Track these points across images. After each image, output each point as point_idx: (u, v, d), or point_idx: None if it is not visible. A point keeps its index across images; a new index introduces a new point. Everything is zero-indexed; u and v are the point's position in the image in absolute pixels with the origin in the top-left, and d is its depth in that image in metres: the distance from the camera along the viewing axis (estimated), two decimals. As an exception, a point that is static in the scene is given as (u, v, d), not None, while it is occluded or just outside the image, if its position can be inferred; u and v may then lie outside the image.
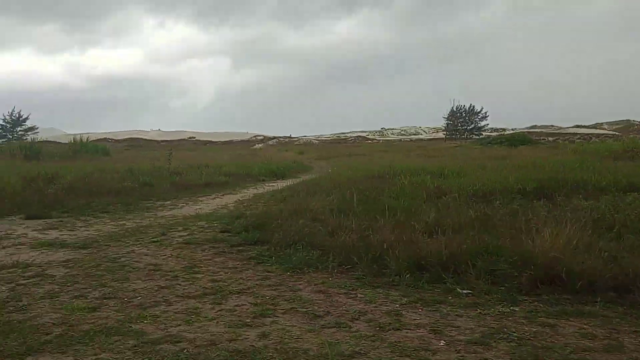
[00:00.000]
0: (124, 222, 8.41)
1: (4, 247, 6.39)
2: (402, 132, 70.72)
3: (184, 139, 60.25)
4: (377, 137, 64.26)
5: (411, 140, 55.84)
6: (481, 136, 54.22)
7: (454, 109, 56.99)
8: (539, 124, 67.19)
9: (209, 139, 57.69)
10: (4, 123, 59.46)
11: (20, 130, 60.86)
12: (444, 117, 57.67)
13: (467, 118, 57.29)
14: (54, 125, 65.21)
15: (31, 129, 62.12)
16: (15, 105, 69.08)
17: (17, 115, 60.37)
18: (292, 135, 62.80)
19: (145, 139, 58.81)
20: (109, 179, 12.59)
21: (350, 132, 69.56)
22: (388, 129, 74.19)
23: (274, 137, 59.86)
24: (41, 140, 46.86)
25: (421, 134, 68.49)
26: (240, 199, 11.33)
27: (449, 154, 26.43)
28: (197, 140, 58.67)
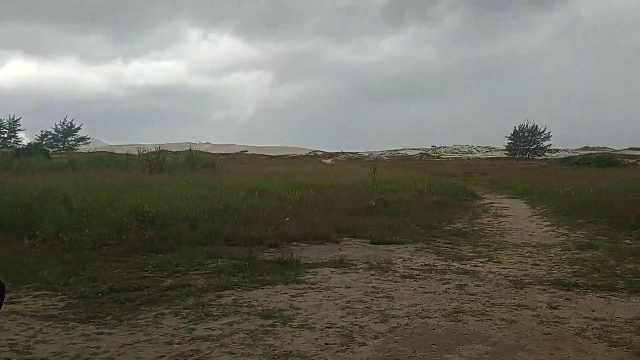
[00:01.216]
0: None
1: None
2: (455, 150, 70.48)
3: (239, 152, 60.84)
4: (446, 155, 63.73)
5: (478, 159, 55.36)
6: (543, 156, 53.87)
7: (517, 129, 56.87)
8: (590, 145, 66.40)
9: (262, 153, 57.48)
10: (55, 132, 60.52)
11: (71, 140, 62.07)
12: (507, 137, 57.63)
13: (529, 138, 56.97)
14: (93, 135, 65.76)
15: (82, 139, 63.12)
16: (67, 115, 68.93)
17: (69, 125, 61.00)
18: (344, 150, 62.59)
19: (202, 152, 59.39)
20: (343, 197, 12.56)
21: (401, 149, 69.58)
22: (440, 147, 73.99)
23: (342, 152, 59.14)
24: (98, 150, 47.09)
25: (474, 153, 68.24)
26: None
27: (563, 175, 26.18)
28: (249, 154, 58.95)
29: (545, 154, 55.51)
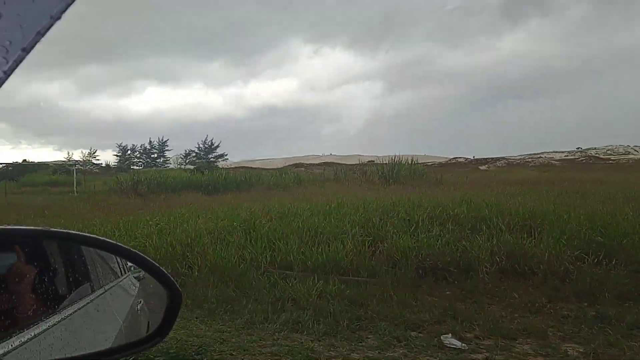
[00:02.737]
0: None
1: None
2: (609, 152, 62.33)
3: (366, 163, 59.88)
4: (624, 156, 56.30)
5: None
6: None
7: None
8: None
9: (385, 161, 55.42)
10: (198, 151, 66.40)
11: (211, 157, 67.22)
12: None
13: None
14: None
15: (221, 155, 68.31)
16: (207, 134, 75.88)
17: (209, 143, 66.96)
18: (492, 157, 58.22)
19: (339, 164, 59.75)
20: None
21: (540, 152, 63.22)
22: (588, 149, 66.12)
23: (497, 159, 54.63)
24: (233, 166, 50.69)
25: (634, 154, 59.57)
26: None
27: None
28: (376, 163, 57.38)
29: None
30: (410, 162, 24.02)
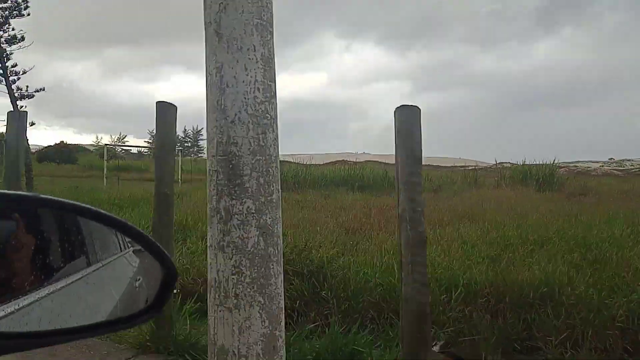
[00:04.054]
0: None
1: None
2: (644, 163, 60.30)
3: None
4: None
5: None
6: None
7: None
8: None
9: (429, 164, 53.47)
10: None
11: None
12: None
13: None
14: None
15: None
16: None
17: None
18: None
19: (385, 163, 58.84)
20: None
21: (575, 161, 61.42)
22: (622, 160, 64.19)
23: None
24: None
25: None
26: None
27: None
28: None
29: None
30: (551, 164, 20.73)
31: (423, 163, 3.29)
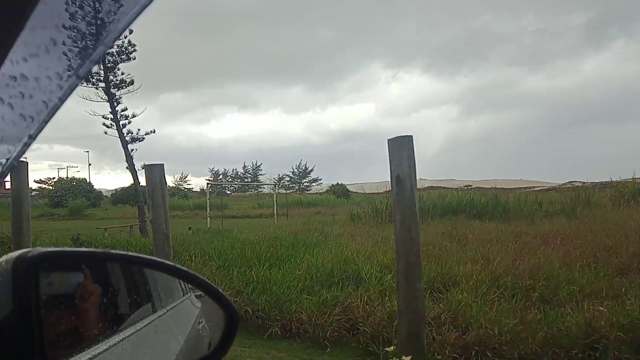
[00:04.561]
0: None
1: None
2: None
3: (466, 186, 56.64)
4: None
5: None
6: None
7: None
8: None
9: (486, 186, 50.84)
10: (292, 175, 68.13)
11: (305, 182, 68.69)
12: None
13: None
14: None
15: (315, 180, 69.50)
16: (301, 159, 75.46)
17: (303, 168, 68.95)
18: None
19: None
20: None
21: (630, 178, 56.53)
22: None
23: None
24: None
25: None
26: None
27: None
28: (478, 187, 53.90)
29: None
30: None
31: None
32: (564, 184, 44.75)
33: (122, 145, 19.35)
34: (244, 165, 76.88)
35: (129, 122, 19.59)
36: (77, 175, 56.22)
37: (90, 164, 65.55)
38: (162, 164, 5.81)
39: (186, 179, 70.67)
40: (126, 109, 19.61)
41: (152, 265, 1.00)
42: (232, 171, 77.25)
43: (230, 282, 7.11)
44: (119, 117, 19.31)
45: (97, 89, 19.30)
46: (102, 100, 19.32)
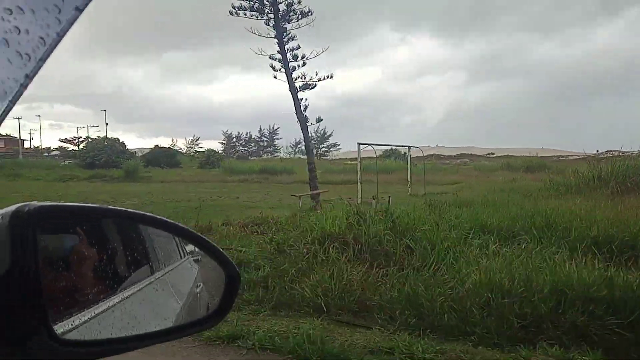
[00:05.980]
0: None
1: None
2: None
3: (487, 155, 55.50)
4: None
5: None
6: None
7: None
8: None
9: (514, 154, 49.84)
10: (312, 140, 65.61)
11: (323, 147, 66.81)
12: None
13: None
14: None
15: (334, 145, 67.69)
16: (326, 125, 70.19)
17: (322, 133, 65.55)
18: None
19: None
20: None
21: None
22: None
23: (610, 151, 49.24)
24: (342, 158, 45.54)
25: None
26: None
27: None
28: (493, 157, 53.22)
29: None
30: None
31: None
32: (602, 152, 43.20)
33: (291, 93, 16.38)
34: (260, 129, 75.40)
35: (304, 64, 16.49)
36: (98, 135, 53.96)
37: (107, 124, 63.58)
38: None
39: (198, 141, 69.35)
40: (298, 47, 16.29)
41: (147, 221, 0.99)
42: (246, 134, 75.88)
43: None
44: (288, 58, 16.26)
45: (267, 22, 16.14)
46: (266, 36, 16.24)
